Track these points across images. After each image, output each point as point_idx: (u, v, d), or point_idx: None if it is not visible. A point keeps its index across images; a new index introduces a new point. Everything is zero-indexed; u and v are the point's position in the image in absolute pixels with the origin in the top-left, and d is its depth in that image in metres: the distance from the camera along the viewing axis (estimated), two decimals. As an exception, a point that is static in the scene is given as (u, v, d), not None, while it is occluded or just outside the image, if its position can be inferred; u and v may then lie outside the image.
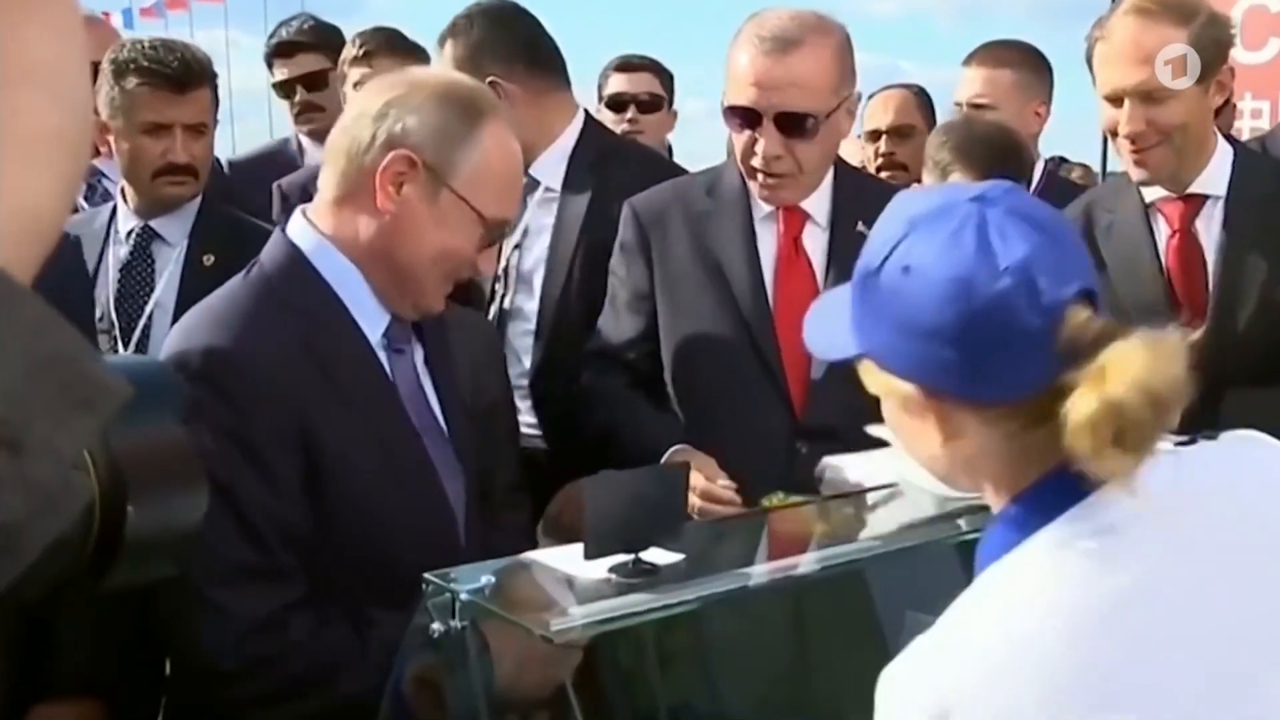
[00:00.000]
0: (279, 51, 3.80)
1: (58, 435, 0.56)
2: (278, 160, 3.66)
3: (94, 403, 0.57)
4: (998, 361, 1.12)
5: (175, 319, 2.68)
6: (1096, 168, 5.36)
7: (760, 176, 2.28)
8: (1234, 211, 2.38)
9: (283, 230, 1.84)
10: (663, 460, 2.09)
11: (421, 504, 1.80)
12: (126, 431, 0.69)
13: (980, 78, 3.31)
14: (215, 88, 2.75)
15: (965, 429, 1.17)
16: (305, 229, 1.81)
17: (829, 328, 1.28)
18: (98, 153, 2.95)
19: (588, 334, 2.48)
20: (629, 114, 4.08)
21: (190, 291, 2.73)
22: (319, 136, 3.75)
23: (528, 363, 2.64)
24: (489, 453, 2.11)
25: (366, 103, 1.80)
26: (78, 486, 0.61)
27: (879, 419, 2.33)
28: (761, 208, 2.36)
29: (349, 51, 3.26)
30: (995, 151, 2.82)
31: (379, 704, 1.53)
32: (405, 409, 1.80)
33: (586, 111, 2.82)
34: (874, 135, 3.66)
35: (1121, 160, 2.47)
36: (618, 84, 4.17)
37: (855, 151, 3.69)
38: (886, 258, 1.16)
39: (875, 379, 1.22)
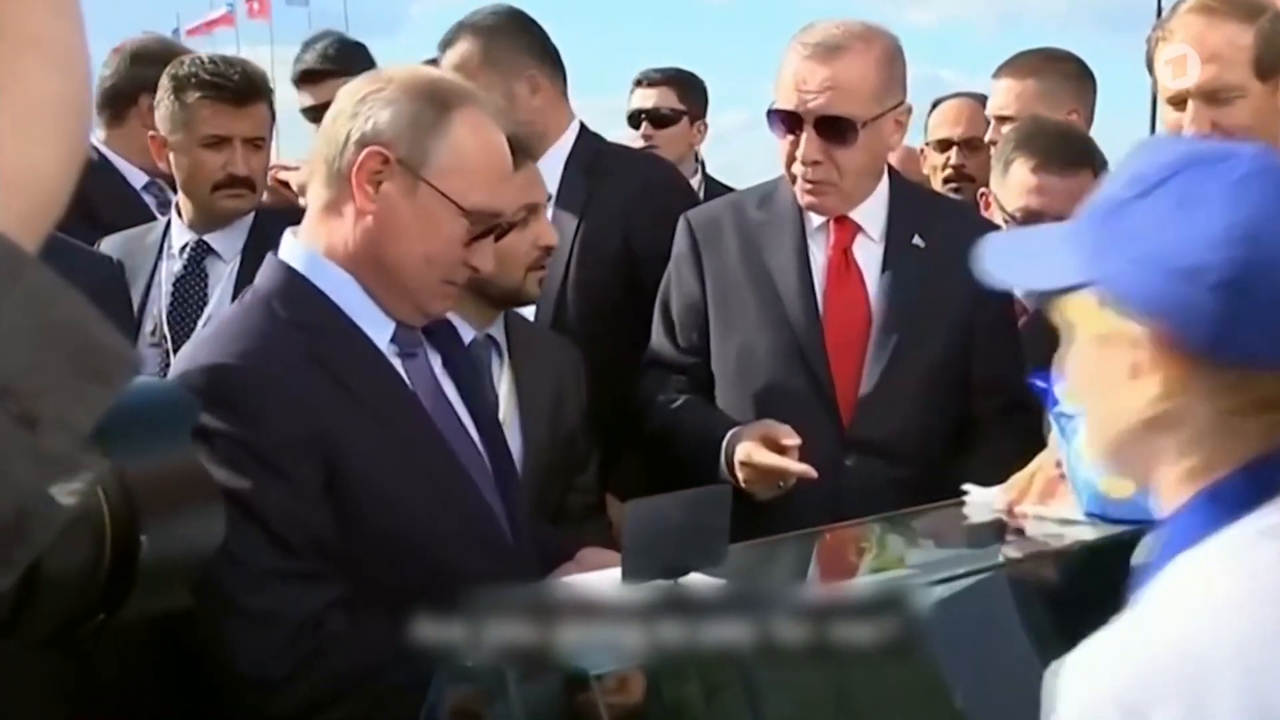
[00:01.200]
0: (304, 78, 3.77)
1: (71, 409, 0.54)
2: None
3: (106, 373, 0.55)
4: (1265, 320, 1.04)
5: (230, 333, 2.69)
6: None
7: (800, 182, 2.27)
8: None
9: (273, 254, 1.80)
10: (724, 440, 2.09)
11: (452, 501, 1.76)
12: (140, 457, 0.67)
13: (1003, 90, 3.23)
14: (272, 103, 2.76)
15: (1184, 390, 1.07)
16: (295, 247, 1.78)
17: (1030, 260, 1.22)
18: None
19: (584, 334, 2.48)
20: (642, 129, 4.07)
21: (243, 305, 2.75)
22: None
23: None
24: (563, 478, 2.10)
25: (340, 104, 1.76)
26: (89, 464, 0.59)
27: (927, 431, 2.28)
28: (813, 220, 2.34)
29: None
30: (1058, 141, 2.73)
31: (424, 697, 1.49)
32: (424, 410, 1.77)
33: (580, 120, 2.85)
34: (943, 145, 3.56)
35: None
36: (636, 100, 4.16)
37: (902, 158, 3.59)
38: (1151, 190, 1.08)
39: (1089, 315, 1.12)
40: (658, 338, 2.44)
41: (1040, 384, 1.82)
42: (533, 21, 2.83)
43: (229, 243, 2.76)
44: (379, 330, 1.75)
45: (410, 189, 1.70)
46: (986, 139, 3.20)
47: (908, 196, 2.41)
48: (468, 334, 1.86)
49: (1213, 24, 2.24)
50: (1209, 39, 2.24)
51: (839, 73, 2.19)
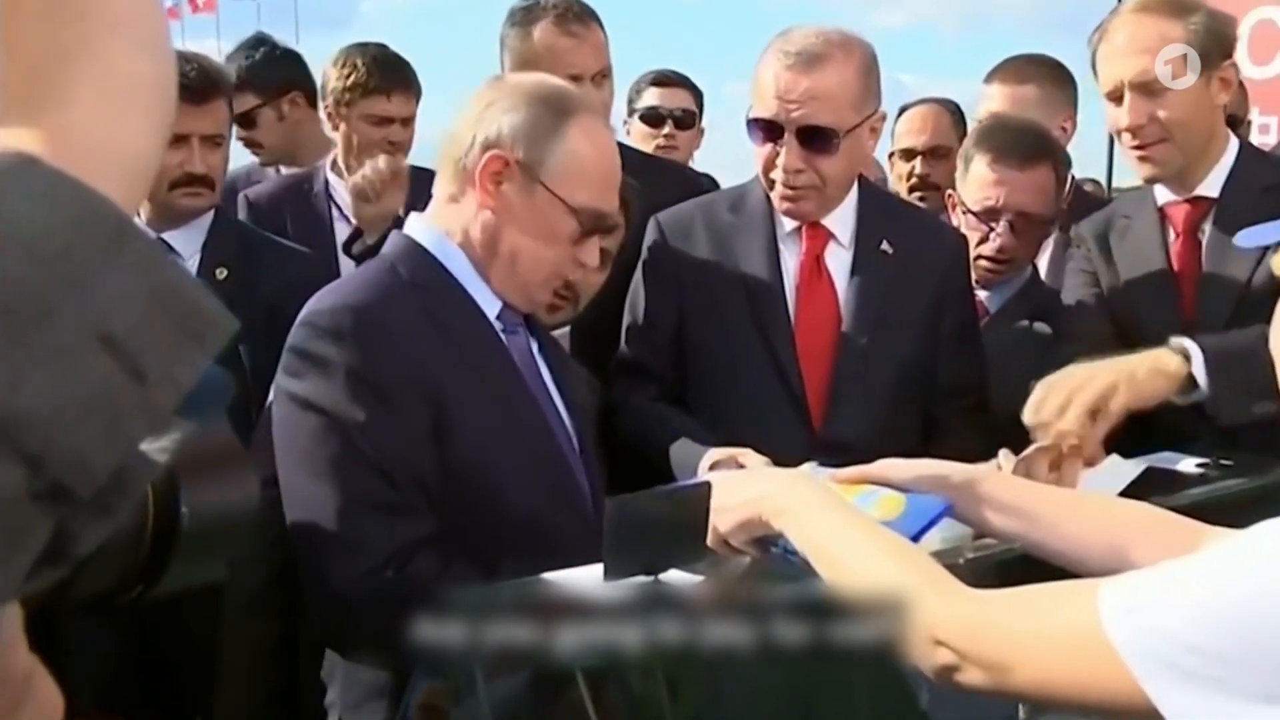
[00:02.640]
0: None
1: (177, 366, 0.57)
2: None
3: (205, 337, 0.58)
4: None
5: (189, 332, 2.66)
6: (1105, 183, 5.31)
7: (780, 189, 2.30)
8: (1223, 212, 2.38)
9: (398, 230, 1.98)
10: (702, 460, 2.11)
11: (543, 467, 1.88)
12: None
13: (1003, 95, 3.27)
14: (230, 100, 2.71)
15: None
16: (420, 224, 1.95)
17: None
18: None
19: (602, 339, 2.49)
20: (665, 129, 4.01)
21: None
22: (268, 166, 3.76)
23: None
24: None
25: (468, 109, 1.92)
26: (179, 424, 0.62)
27: (896, 433, 2.30)
28: (785, 224, 2.38)
29: (355, 77, 3.26)
30: (1016, 136, 2.78)
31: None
32: (524, 379, 1.91)
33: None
34: (907, 155, 3.58)
35: (1127, 160, 2.50)
36: (653, 98, 4.10)
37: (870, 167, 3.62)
38: None
39: None
40: (629, 339, 2.46)
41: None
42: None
43: (187, 241, 2.73)
44: (488, 304, 1.91)
45: (528, 189, 1.86)
46: None
47: (876, 203, 2.45)
48: (496, 302, 1.94)
49: (1146, 19, 2.35)
50: (1142, 33, 2.34)
51: (821, 83, 2.22)
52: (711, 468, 2.08)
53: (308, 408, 1.76)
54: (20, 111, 0.60)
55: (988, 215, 2.70)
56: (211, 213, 2.75)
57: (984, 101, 3.32)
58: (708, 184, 3.03)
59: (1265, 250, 2.16)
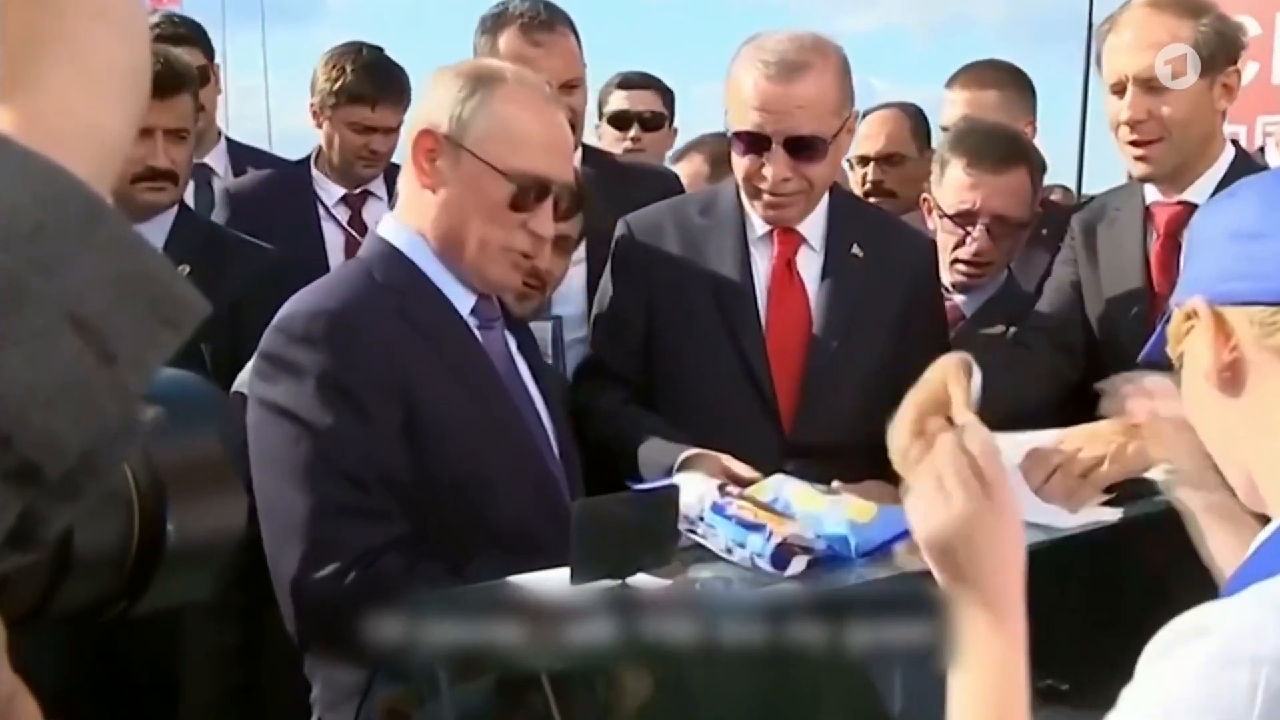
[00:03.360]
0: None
1: (147, 350, 0.57)
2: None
3: (177, 320, 0.58)
4: None
5: (149, 329, 2.62)
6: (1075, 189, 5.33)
7: (765, 197, 2.29)
8: None
9: (374, 231, 2.00)
10: (677, 460, 2.09)
11: (519, 462, 1.89)
12: (166, 443, 0.69)
13: (964, 100, 3.28)
14: (196, 94, 2.67)
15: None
16: (391, 224, 1.97)
17: None
18: None
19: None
20: (632, 131, 3.98)
21: (165, 302, 2.66)
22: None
23: None
24: None
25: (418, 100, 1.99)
26: (147, 410, 0.61)
27: (866, 436, 2.30)
28: (756, 228, 2.36)
29: (343, 80, 3.21)
30: (991, 139, 2.77)
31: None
32: (499, 375, 1.93)
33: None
34: (862, 160, 3.56)
35: (1123, 156, 2.48)
36: (620, 101, 4.07)
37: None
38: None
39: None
40: (597, 341, 2.44)
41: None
42: None
43: (150, 236, 2.66)
44: (461, 300, 1.93)
45: (457, 159, 1.88)
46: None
47: (846, 207, 2.45)
48: (469, 295, 1.97)
49: (1157, 16, 2.35)
50: (1152, 29, 2.35)
51: (804, 92, 2.21)
52: (682, 467, 2.06)
53: (280, 414, 1.77)
54: None
55: (964, 219, 2.69)
56: (175, 208, 2.71)
57: (947, 106, 3.33)
58: (678, 186, 3.01)
59: None
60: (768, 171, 2.25)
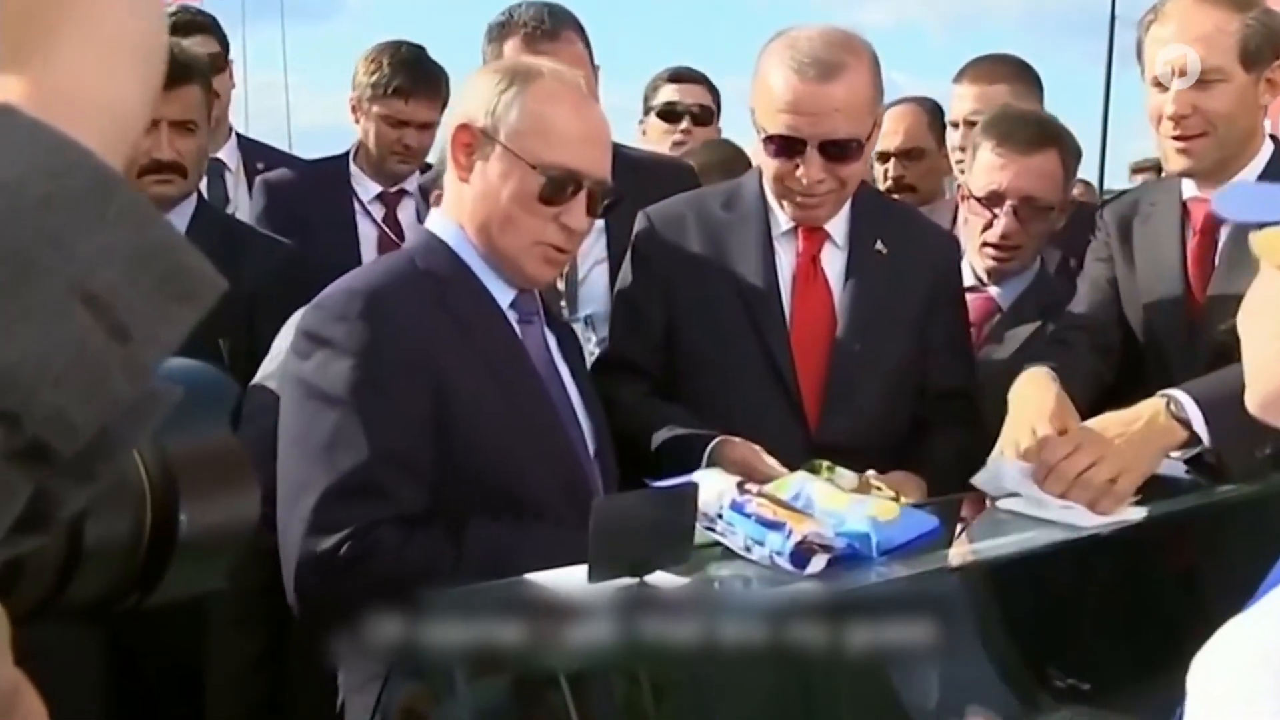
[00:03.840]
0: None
1: (161, 326, 0.56)
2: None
3: (194, 294, 0.57)
4: None
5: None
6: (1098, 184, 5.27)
7: (798, 198, 2.27)
8: None
9: (420, 225, 2.06)
10: (710, 447, 2.09)
11: (549, 456, 1.91)
12: (178, 434, 0.68)
13: (973, 94, 3.23)
14: (208, 85, 2.65)
15: None
16: (437, 218, 2.01)
17: (1255, 200, 1.24)
18: None
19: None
20: (683, 124, 3.99)
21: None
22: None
23: None
24: None
25: (457, 95, 2.05)
26: (164, 391, 0.60)
27: (892, 434, 2.29)
28: (780, 223, 2.34)
29: (380, 74, 3.23)
30: (1021, 121, 2.74)
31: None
32: (535, 369, 1.95)
33: None
34: (882, 156, 3.54)
35: (1162, 150, 2.44)
36: (671, 94, 4.07)
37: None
38: None
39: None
40: (616, 333, 2.42)
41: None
42: None
43: None
44: (501, 293, 1.96)
45: (492, 152, 1.91)
46: (956, 143, 3.20)
47: (869, 203, 2.42)
48: (509, 289, 2.00)
49: (1203, 8, 2.31)
50: (1198, 21, 2.30)
51: (841, 93, 2.18)
52: (714, 454, 2.06)
53: (307, 390, 1.80)
54: (3, 62, 0.59)
55: (992, 200, 2.66)
56: (194, 201, 2.70)
57: (955, 101, 3.29)
58: (695, 179, 2.98)
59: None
60: (801, 174, 2.22)
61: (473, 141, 1.91)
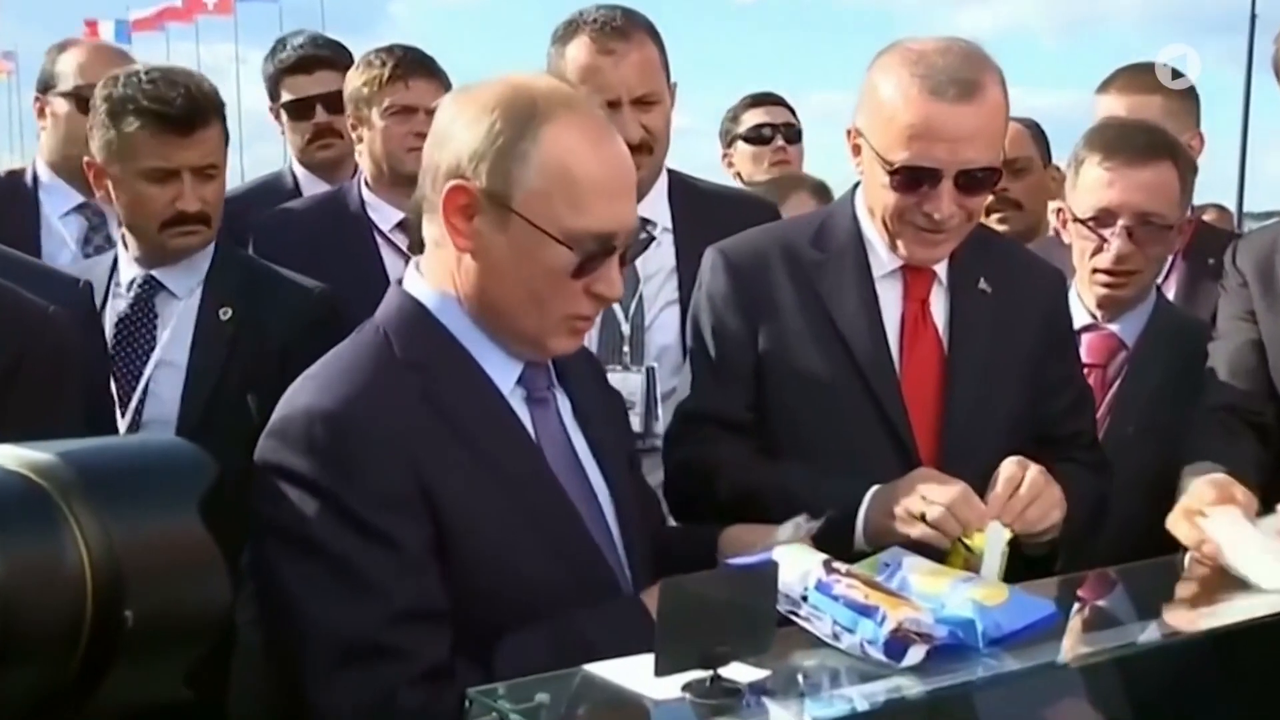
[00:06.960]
0: (299, 66, 3.61)
1: None
2: (270, 198, 3.39)
3: None
4: None
5: (190, 379, 2.47)
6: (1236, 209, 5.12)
7: (919, 234, 2.10)
8: None
9: (398, 283, 1.78)
10: (865, 499, 1.95)
11: (567, 555, 1.70)
12: (132, 522, 0.66)
13: (1124, 105, 3.05)
14: (224, 121, 2.54)
15: None
16: (418, 280, 1.75)
17: None
18: (92, 193, 2.70)
19: None
20: (777, 142, 4.14)
21: (208, 349, 2.53)
22: (331, 168, 3.59)
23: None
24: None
25: (433, 129, 1.71)
26: None
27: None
28: (883, 264, 2.19)
29: (373, 72, 3.08)
30: (1126, 132, 2.59)
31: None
32: (544, 460, 1.72)
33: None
34: None
35: None
36: (758, 118, 4.24)
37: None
38: None
39: None
40: (702, 387, 2.24)
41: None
42: None
43: (183, 278, 2.60)
44: (504, 373, 1.73)
45: (503, 222, 1.63)
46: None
47: (970, 236, 2.20)
48: (515, 364, 1.74)
49: None
50: None
51: (982, 118, 2.02)
52: (874, 500, 1.93)
53: (285, 539, 1.58)
54: None
55: (1101, 220, 2.50)
56: (214, 246, 2.57)
57: (1100, 114, 3.07)
58: (776, 214, 2.84)
59: None
60: (931, 208, 2.04)
61: (471, 204, 1.63)
